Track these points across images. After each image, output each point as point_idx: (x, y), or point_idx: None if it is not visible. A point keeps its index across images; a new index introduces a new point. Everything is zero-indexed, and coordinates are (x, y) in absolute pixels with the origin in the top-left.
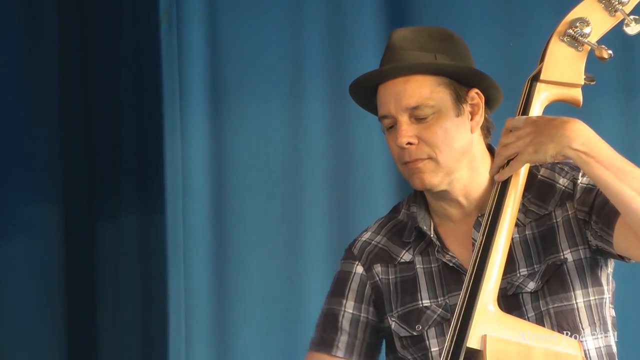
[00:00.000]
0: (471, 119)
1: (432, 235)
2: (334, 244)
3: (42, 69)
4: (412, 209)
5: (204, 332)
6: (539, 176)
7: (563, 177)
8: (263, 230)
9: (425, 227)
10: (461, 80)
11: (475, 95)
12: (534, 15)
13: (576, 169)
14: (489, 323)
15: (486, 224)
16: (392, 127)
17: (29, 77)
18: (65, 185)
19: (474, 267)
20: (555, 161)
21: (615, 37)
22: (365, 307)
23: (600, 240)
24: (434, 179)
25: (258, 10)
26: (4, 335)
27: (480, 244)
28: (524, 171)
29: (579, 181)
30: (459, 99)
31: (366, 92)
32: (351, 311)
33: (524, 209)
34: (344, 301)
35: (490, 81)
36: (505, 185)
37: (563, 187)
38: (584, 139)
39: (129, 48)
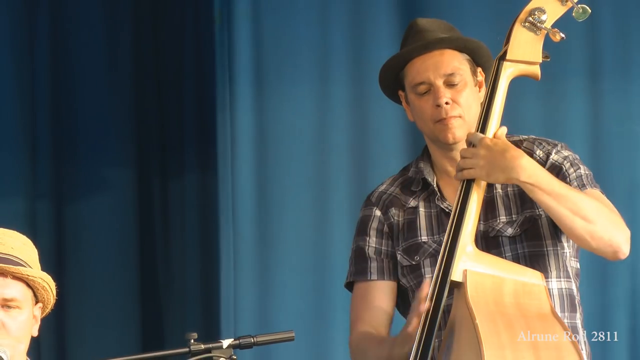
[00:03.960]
0: (478, 91)
1: (434, 186)
2: (354, 201)
3: (120, 56)
4: (420, 165)
5: (249, 271)
6: (522, 147)
7: (540, 150)
8: (297, 188)
9: (429, 179)
10: (474, 59)
11: (480, 73)
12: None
13: (552, 144)
14: (468, 260)
15: (464, 180)
16: (427, 92)
17: (110, 61)
18: (139, 151)
19: (454, 218)
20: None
21: (581, 25)
22: (384, 242)
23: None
24: (462, 134)
25: (293, 11)
26: (89, 274)
27: (460, 196)
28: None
29: (551, 156)
30: (474, 73)
31: (394, 71)
32: (374, 245)
33: None
34: (368, 238)
35: (491, 63)
36: (469, 183)
37: (538, 158)
38: (529, 172)
39: (190, 41)
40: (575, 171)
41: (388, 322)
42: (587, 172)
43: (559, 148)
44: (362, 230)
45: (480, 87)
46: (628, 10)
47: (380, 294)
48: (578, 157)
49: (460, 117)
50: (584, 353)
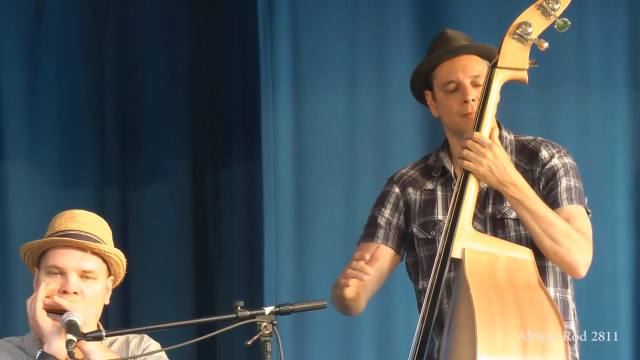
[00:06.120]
0: None
1: (452, 173)
2: (378, 189)
3: (178, 63)
4: (440, 154)
5: (288, 249)
6: (529, 146)
7: (546, 151)
8: (329, 178)
9: (448, 167)
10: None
11: None
12: None
13: (557, 148)
14: (466, 239)
15: (462, 171)
16: (455, 90)
17: (168, 68)
18: (193, 145)
19: (454, 203)
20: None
21: (571, 39)
22: (397, 215)
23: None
24: None
25: (326, 26)
26: (150, 251)
27: (459, 185)
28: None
29: (554, 158)
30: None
31: (425, 72)
32: (387, 216)
33: (515, 165)
34: (383, 209)
35: None
36: (468, 172)
37: (542, 157)
38: (519, 190)
39: (238, 51)
40: (567, 182)
41: (376, 280)
42: (577, 185)
43: (562, 153)
44: (380, 202)
45: None
46: (612, 27)
47: (380, 255)
48: (575, 167)
49: None
50: (572, 323)
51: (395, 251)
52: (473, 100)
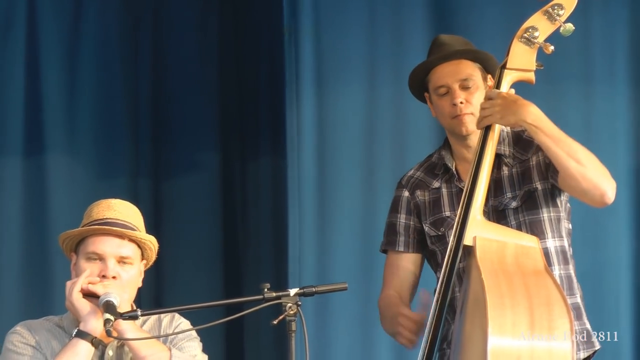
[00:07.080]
0: None
1: (453, 170)
2: (395, 179)
3: (209, 62)
4: (442, 153)
5: (311, 235)
6: (523, 136)
7: None
8: (349, 169)
9: (449, 164)
10: (485, 68)
11: (490, 79)
12: None
13: None
14: (477, 228)
15: (474, 164)
16: (446, 94)
17: (200, 65)
18: (223, 139)
19: (466, 192)
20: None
21: (577, 39)
22: (412, 217)
23: (552, 179)
24: (473, 127)
25: (346, 26)
26: (181, 239)
27: (470, 177)
28: (497, 127)
29: None
30: (485, 79)
31: (420, 76)
32: (403, 220)
33: (512, 156)
34: (398, 215)
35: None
36: (486, 134)
37: (537, 145)
38: (535, 116)
39: (265, 51)
40: None
41: (411, 286)
42: None
43: None
44: (394, 208)
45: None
46: (615, 25)
47: (406, 263)
48: None
49: (472, 114)
50: (577, 296)
51: (417, 253)
52: (461, 102)
